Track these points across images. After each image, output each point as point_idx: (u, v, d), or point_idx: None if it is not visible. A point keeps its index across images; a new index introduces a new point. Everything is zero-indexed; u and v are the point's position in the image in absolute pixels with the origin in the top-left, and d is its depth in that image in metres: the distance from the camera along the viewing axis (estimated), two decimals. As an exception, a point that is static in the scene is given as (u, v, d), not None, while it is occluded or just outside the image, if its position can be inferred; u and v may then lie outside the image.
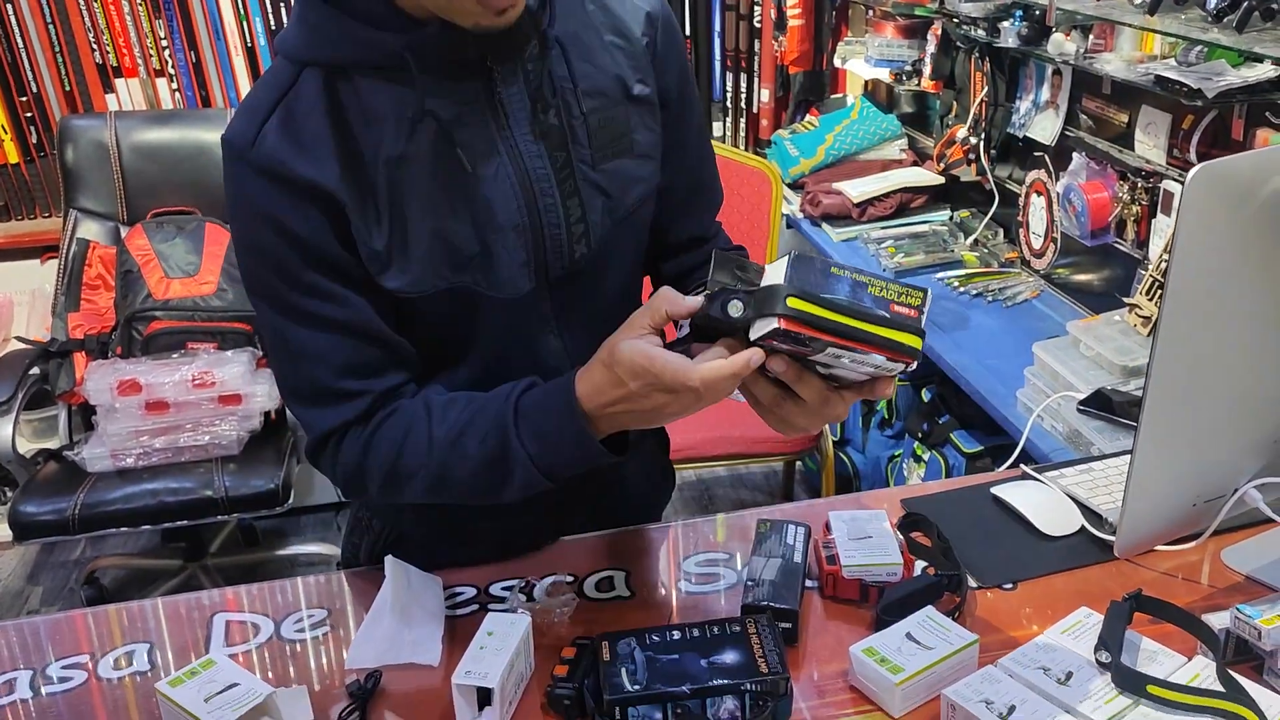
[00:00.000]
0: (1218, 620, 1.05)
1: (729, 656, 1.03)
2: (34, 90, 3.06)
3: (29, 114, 3.07)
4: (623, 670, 1.02)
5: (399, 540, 1.28)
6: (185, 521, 2.32)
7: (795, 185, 3.04)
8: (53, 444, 2.59)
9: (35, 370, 2.50)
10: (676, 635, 1.06)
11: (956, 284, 2.41)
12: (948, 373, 2.11)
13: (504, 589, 1.23)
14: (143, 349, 2.47)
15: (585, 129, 1.08)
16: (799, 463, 3.14)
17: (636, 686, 1.00)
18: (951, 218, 2.77)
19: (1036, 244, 2.41)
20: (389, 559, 1.17)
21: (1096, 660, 1.01)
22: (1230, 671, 0.97)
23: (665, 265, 1.27)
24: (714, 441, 2.49)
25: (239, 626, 1.20)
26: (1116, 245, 2.12)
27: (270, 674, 1.12)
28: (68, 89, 3.07)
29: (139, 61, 3.09)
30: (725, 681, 1.00)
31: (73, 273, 2.60)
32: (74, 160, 2.70)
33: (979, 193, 2.69)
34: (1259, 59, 1.63)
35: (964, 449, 2.29)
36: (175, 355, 2.42)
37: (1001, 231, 2.61)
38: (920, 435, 2.44)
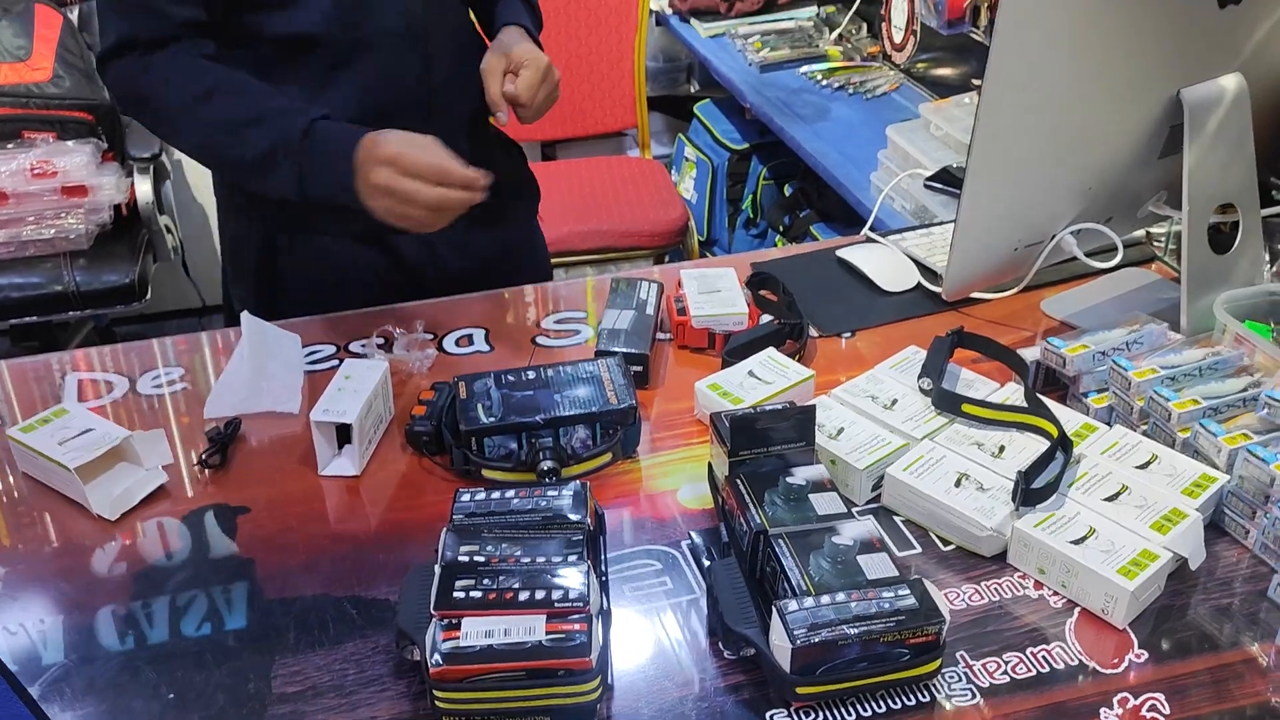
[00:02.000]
0: (1030, 354, 1.15)
1: (581, 391, 1.08)
2: None
3: None
4: (479, 405, 1.06)
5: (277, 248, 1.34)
6: (34, 317, 2.25)
7: (665, -20, 2.99)
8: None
9: None
10: (531, 375, 1.11)
11: (820, 78, 2.44)
12: (806, 161, 2.16)
13: (361, 346, 1.25)
14: (-26, 138, 2.33)
15: None
16: (665, 259, 3.20)
17: (492, 419, 1.05)
18: (818, 13, 2.78)
19: (898, 38, 2.44)
20: (245, 315, 1.18)
21: (919, 388, 1.10)
22: (1037, 394, 1.07)
23: None
24: (583, 235, 2.51)
25: (92, 384, 1.20)
26: (971, 34, 2.17)
27: (126, 426, 1.13)
28: None
29: None
30: (577, 412, 1.05)
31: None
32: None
33: (846, -12, 2.70)
34: None
35: (822, 240, 2.37)
36: (11, 145, 2.29)
37: (865, 26, 2.64)
38: (782, 229, 2.51)
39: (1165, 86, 1.13)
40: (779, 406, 0.99)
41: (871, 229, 1.48)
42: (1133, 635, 0.88)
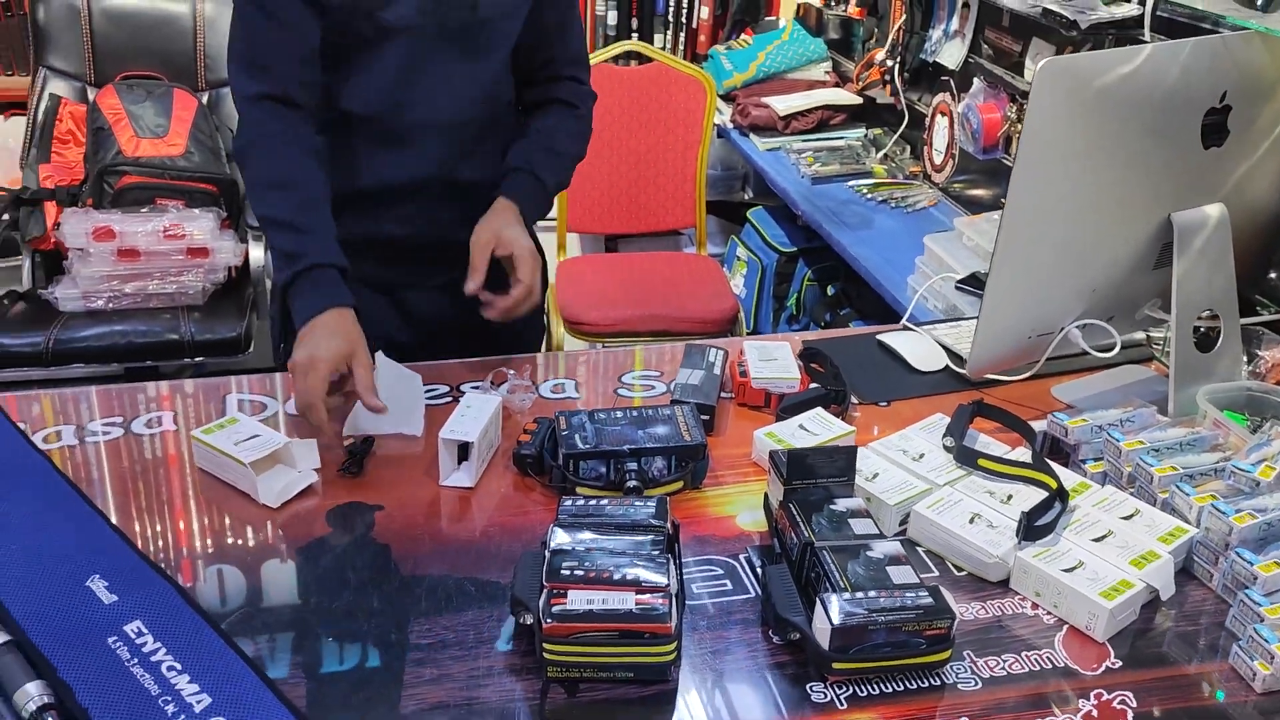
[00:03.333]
0: (1039, 425, 1.36)
1: (660, 429, 1.30)
2: (-2, -51, 3.13)
3: (-7, -28, 3.14)
4: (576, 435, 1.28)
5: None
6: (151, 361, 2.51)
7: (727, 97, 3.29)
8: (17, 288, 2.73)
9: (5, 216, 2.64)
10: (619, 414, 1.33)
11: (865, 191, 2.69)
12: (850, 264, 2.40)
13: (473, 386, 1.48)
14: (113, 202, 2.63)
15: None
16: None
17: (587, 445, 1.27)
18: (866, 134, 3.05)
19: (938, 159, 2.70)
20: (379, 354, 1.41)
21: (943, 445, 1.31)
22: (1042, 456, 1.28)
23: (533, 93, 1.62)
24: (642, 318, 2.76)
25: (248, 403, 1.44)
26: (1003, 160, 2.43)
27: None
28: (30, -49, 3.14)
29: (103, -71, 3.17)
30: (657, 445, 1.27)
31: (44, 127, 2.73)
32: (45, 19, 2.81)
33: (891, 113, 2.97)
34: (1129, -1, 1.93)
35: (861, 336, 2.60)
36: (145, 209, 2.59)
37: (909, 148, 2.91)
38: (823, 325, 2.74)
39: (1158, 211, 1.36)
40: (827, 447, 1.20)
41: (908, 322, 1.71)
42: (1110, 648, 1.07)
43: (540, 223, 3.41)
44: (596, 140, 3.00)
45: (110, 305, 2.53)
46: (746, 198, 3.55)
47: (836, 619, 0.99)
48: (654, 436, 1.28)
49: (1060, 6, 1.97)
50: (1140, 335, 1.62)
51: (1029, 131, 1.22)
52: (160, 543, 1.18)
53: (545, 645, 0.99)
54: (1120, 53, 1.26)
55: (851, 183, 2.76)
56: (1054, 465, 1.27)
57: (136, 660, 0.97)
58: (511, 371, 1.49)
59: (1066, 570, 1.11)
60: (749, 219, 3.28)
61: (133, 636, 1.00)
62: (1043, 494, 1.20)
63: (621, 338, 2.75)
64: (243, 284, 2.71)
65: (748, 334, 3.15)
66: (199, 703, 0.93)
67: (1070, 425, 1.32)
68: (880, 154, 2.92)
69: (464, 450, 1.28)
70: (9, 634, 0.99)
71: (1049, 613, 1.11)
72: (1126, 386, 1.51)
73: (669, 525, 1.11)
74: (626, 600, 1.00)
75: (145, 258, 2.52)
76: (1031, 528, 1.14)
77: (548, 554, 1.06)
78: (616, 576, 1.03)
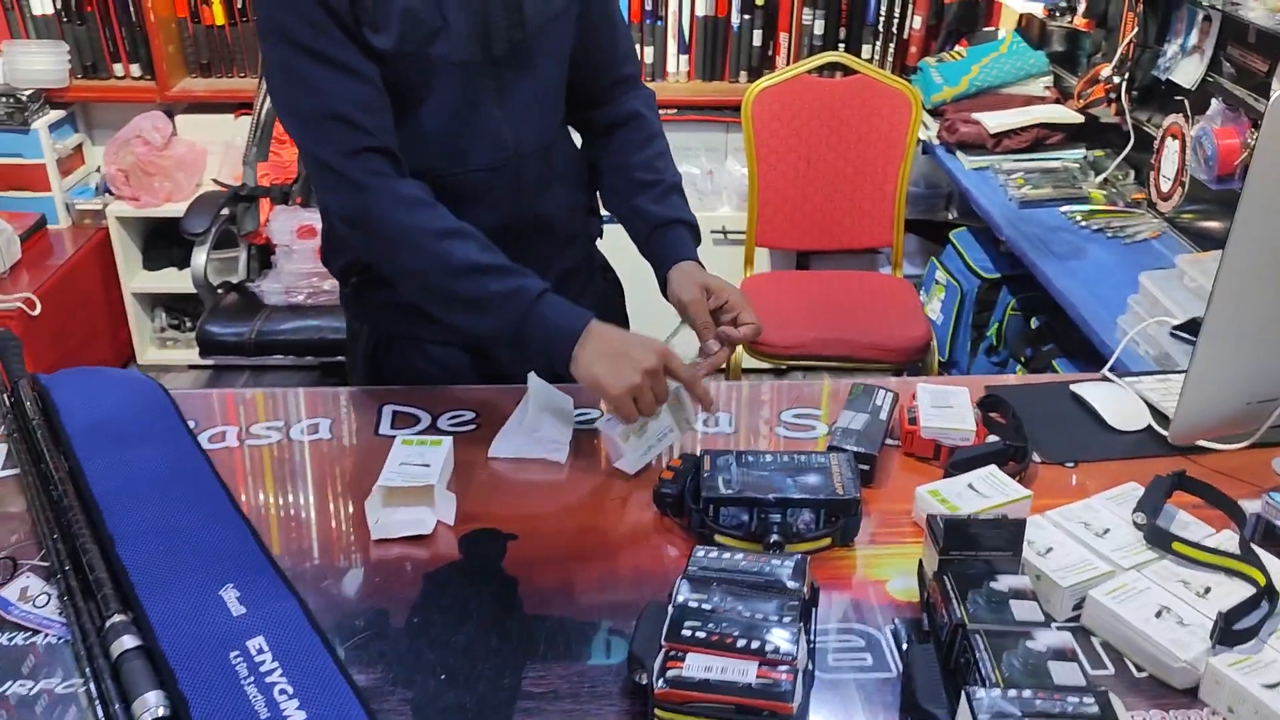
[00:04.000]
0: (1252, 506, 1.19)
1: (811, 479, 1.21)
2: (239, -42, 3.33)
3: (233, -20, 3.35)
4: (719, 478, 1.21)
5: (381, 343, 1.54)
6: (343, 357, 2.60)
7: (935, 112, 3.12)
8: (233, 279, 2.90)
9: (226, 210, 2.80)
10: (769, 459, 1.25)
11: (1079, 218, 2.49)
12: (1055, 297, 2.22)
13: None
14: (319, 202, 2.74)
15: None
16: (903, 374, 3.27)
17: (730, 491, 1.19)
18: (1085, 156, 2.82)
19: (1165, 187, 2.46)
20: (531, 375, 1.39)
21: (1134, 521, 1.16)
22: (1250, 544, 1.11)
23: (594, 110, 1.53)
24: (825, 342, 2.65)
25: (403, 415, 1.44)
26: (1240, 191, 2.18)
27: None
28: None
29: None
30: (805, 496, 1.18)
31: (264, 127, 2.88)
32: (271, 25, 2.96)
33: (1116, 134, 2.73)
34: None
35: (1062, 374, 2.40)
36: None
37: (1133, 173, 2.67)
38: (1023, 360, 2.55)
39: None
40: (991, 517, 1.08)
41: (1111, 369, 1.54)
42: (1317, 786, 0.91)
43: (725, 234, 3.37)
44: (792, 153, 2.94)
45: (309, 300, 2.64)
46: (950, 217, 3.36)
47: (981, 718, 0.88)
48: (803, 486, 1.20)
49: (1316, 23, 1.74)
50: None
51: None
52: (295, 554, 1.18)
53: (657, 711, 0.92)
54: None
55: (1064, 208, 2.55)
56: (1265, 555, 1.10)
57: (253, 679, 0.97)
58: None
59: (1269, 686, 0.95)
60: (951, 240, 3.10)
61: (253, 653, 1.00)
62: (1249, 590, 1.04)
63: (802, 360, 2.65)
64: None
65: (940, 364, 2.99)
66: (302, 731, 0.92)
67: (1289, 510, 1.14)
68: (1100, 178, 2.69)
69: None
70: (141, 639, 1.01)
71: (1244, 733, 0.96)
72: (1369, 466, 1.31)
73: (805, 588, 1.02)
74: (747, 672, 0.92)
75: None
76: (1229, 630, 0.99)
77: (671, 609, 0.99)
78: (741, 643, 0.95)
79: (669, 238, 1.47)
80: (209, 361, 3.00)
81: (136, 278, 3.44)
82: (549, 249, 1.48)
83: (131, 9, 3.26)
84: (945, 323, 3.03)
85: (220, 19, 3.33)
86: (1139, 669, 1.03)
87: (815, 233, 3.03)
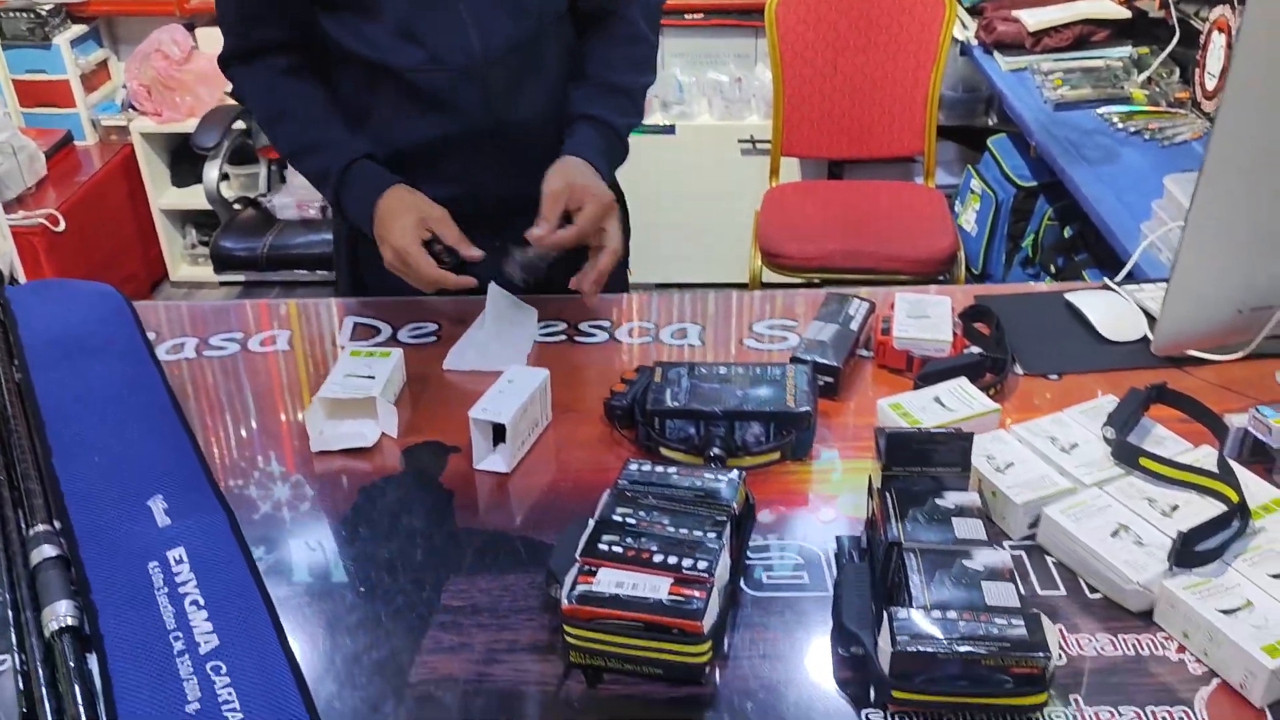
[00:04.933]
0: (1238, 420, 1.10)
1: (763, 391, 1.15)
2: None
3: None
4: (668, 390, 1.16)
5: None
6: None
7: (974, 10, 2.95)
8: (251, 194, 2.89)
9: (240, 124, 2.77)
10: (723, 370, 1.19)
11: (1117, 120, 2.34)
12: (1080, 203, 2.10)
13: (593, 325, 1.38)
14: (329, 113, 2.70)
15: None
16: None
17: (676, 403, 1.14)
18: (1130, 55, 2.65)
19: (1210, 84, 2.30)
20: (491, 285, 1.34)
21: (1103, 436, 1.08)
22: (1229, 460, 1.03)
23: (580, 4, 1.43)
24: (846, 254, 2.55)
25: (364, 327, 1.40)
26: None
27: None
28: None
29: None
30: (753, 409, 1.13)
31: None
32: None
33: (1163, 29, 2.56)
34: None
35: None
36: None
37: (1178, 71, 2.50)
38: (1054, 271, 2.43)
39: None
40: (939, 430, 1.01)
41: (1130, 277, 1.45)
42: (1270, 716, 0.85)
43: (753, 144, 3.23)
44: (818, 57, 2.82)
45: (321, 215, 2.61)
46: (990, 123, 3.20)
47: (899, 642, 0.83)
48: (754, 399, 1.14)
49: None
50: None
51: (1242, 54, 0.96)
52: (233, 466, 1.16)
53: (566, 628, 0.89)
54: (1386, -52, 0.96)
55: (1103, 109, 2.40)
56: (1244, 472, 1.02)
57: (167, 590, 0.96)
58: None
59: (1225, 611, 0.88)
60: (989, 147, 2.96)
61: (172, 564, 0.99)
62: (1219, 509, 0.97)
63: (823, 273, 2.56)
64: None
65: (973, 276, 2.87)
66: (206, 643, 0.90)
67: (1275, 424, 1.05)
68: (1143, 76, 2.53)
69: (499, 432, 1.14)
70: (61, 549, 1.00)
71: (1198, 660, 0.89)
72: (1380, 378, 1.21)
73: (735, 504, 0.97)
74: (659, 588, 0.88)
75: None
76: (1189, 551, 0.92)
77: (591, 524, 0.95)
78: (658, 559, 0.91)
79: (575, 132, 1.38)
80: (236, 277, 3.02)
81: (166, 194, 3.45)
82: (525, 161, 1.36)
83: (149, -81, 3.22)
84: (980, 234, 2.90)
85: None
86: (1092, 590, 0.97)
87: (844, 141, 2.91)
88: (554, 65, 1.41)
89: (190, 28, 3.30)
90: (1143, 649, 0.91)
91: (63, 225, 2.94)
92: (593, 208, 1.29)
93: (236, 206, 2.75)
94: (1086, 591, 0.97)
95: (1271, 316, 1.14)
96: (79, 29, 3.28)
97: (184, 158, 3.44)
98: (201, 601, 0.94)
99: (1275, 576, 0.91)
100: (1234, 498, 0.97)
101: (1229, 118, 0.99)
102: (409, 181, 1.35)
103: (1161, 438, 1.09)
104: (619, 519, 0.95)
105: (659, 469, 1.02)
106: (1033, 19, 2.73)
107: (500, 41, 1.33)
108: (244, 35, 1.37)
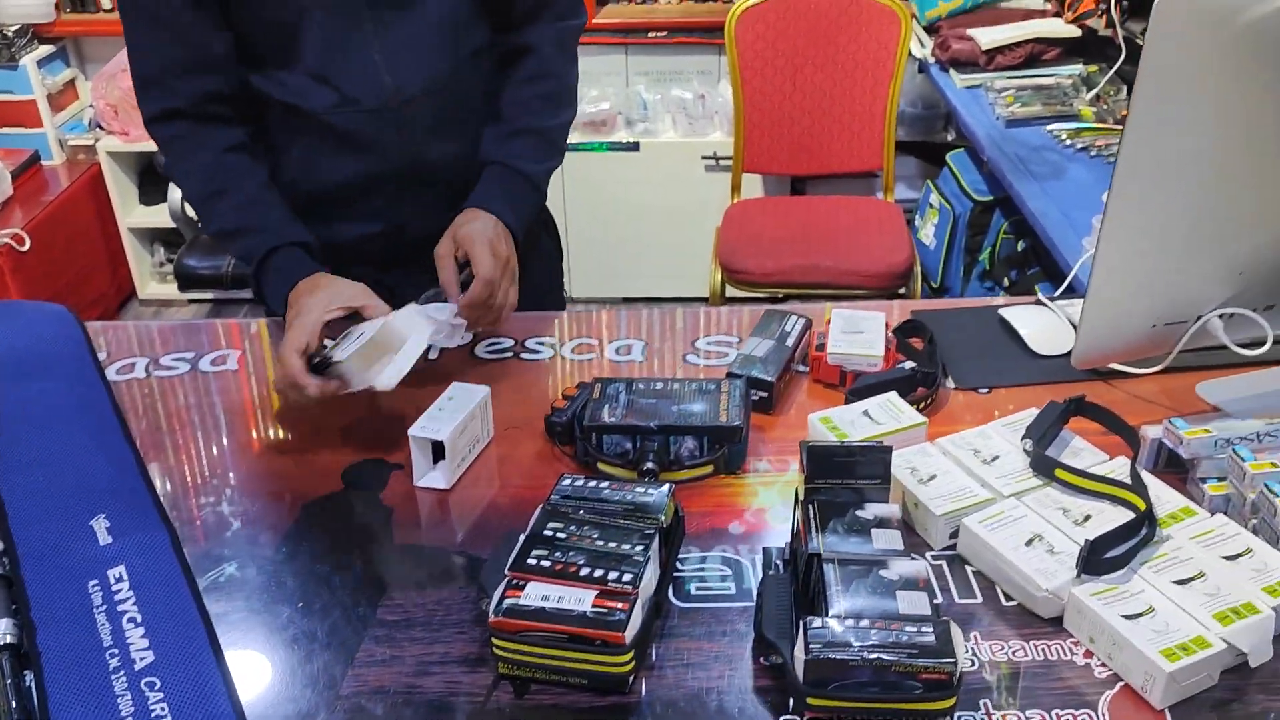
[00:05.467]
0: (1153, 431, 1.14)
1: (697, 406, 1.18)
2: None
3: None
4: (606, 406, 1.19)
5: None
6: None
7: (931, 29, 3.01)
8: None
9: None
10: (659, 385, 1.22)
11: (1065, 137, 2.39)
12: (1027, 218, 2.14)
13: (537, 342, 1.41)
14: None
15: None
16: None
17: (612, 419, 1.17)
18: (1080, 72, 2.71)
19: (1155, 102, 2.35)
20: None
21: (1022, 448, 1.12)
22: (1139, 470, 1.06)
23: (497, 41, 1.43)
24: (804, 269, 2.59)
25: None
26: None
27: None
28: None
29: None
30: (686, 424, 1.16)
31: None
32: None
33: (1112, 48, 2.61)
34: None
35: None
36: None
37: (1125, 89, 2.55)
38: (1005, 286, 2.48)
39: (1334, 176, 1.09)
40: (859, 444, 1.05)
41: (1071, 290, 1.49)
42: (1170, 718, 0.88)
43: (716, 160, 3.27)
44: (777, 75, 2.86)
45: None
46: (949, 139, 3.26)
47: (812, 650, 0.86)
48: (687, 413, 1.17)
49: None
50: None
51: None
52: (178, 485, 1.19)
53: (493, 640, 0.91)
54: (1278, -21, 1.00)
55: (1052, 126, 2.46)
56: (1155, 483, 1.06)
57: (105, 607, 0.98)
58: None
59: (1129, 616, 0.92)
60: (948, 162, 3.01)
61: (111, 582, 1.01)
62: (1129, 517, 1.00)
63: (782, 288, 2.60)
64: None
65: (933, 290, 2.92)
66: (141, 659, 0.92)
67: (1187, 435, 1.09)
68: (1092, 94, 2.58)
69: (439, 448, 1.15)
70: (3, 568, 1.02)
71: (1103, 665, 0.93)
72: (1296, 389, 1.25)
73: (663, 517, 1.00)
74: (584, 601, 0.91)
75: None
76: (1095, 558, 0.95)
77: (521, 538, 0.98)
78: (584, 572, 0.94)
79: (481, 181, 1.39)
80: (203, 295, 3.03)
81: (134, 213, 3.46)
82: (449, 197, 1.37)
83: (114, -59, 3.24)
84: (939, 247, 2.95)
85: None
86: (1008, 598, 1.00)
87: (804, 157, 2.95)
88: (476, 102, 1.42)
89: (157, 47, 3.32)
90: (1052, 654, 0.94)
91: (28, 244, 2.95)
92: (480, 250, 1.28)
93: (200, 225, 2.77)
94: (1002, 599, 1.00)
95: (1185, 331, 1.18)
96: (46, 49, 3.30)
97: (151, 176, 3.46)
98: (139, 619, 0.97)
99: (1179, 583, 0.95)
100: (1141, 506, 1.00)
101: (1133, 140, 1.03)
102: (330, 220, 1.37)
103: (1079, 449, 1.13)
104: (549, 534, 0.98)
105: (592, 484, 1.05)
106: (986, 37, 2.78)
107: (416, 80, 1.34)
108: (172, 90, 1.31)
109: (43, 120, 3.28)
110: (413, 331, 1.22)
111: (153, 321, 1.51)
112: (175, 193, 2.68)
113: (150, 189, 3.46)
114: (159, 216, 3.45)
